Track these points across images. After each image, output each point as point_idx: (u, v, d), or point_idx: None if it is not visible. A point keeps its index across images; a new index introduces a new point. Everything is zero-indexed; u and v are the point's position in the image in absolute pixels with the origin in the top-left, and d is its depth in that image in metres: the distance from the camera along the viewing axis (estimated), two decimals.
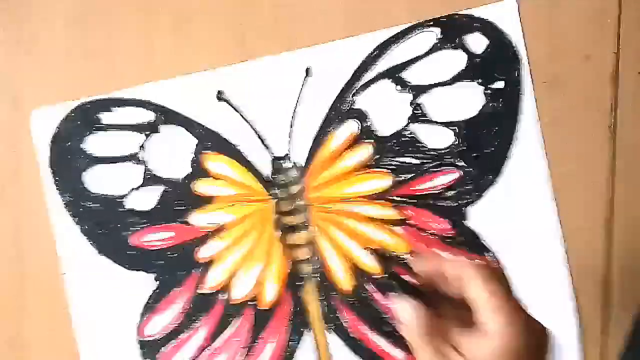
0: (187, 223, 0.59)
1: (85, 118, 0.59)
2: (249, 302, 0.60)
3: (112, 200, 0.59)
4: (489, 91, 0.58)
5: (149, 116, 0.60)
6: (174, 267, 0.60)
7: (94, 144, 0.59)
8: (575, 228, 0.59)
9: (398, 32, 0.59)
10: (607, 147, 0.60)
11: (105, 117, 0.59)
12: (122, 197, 0.59)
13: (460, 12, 0.59)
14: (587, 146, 0.59)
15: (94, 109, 0.59)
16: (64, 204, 0.59)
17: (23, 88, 0.60)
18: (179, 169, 0.60)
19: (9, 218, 0.60)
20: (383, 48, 0.59)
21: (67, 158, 0.59)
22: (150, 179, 0.59)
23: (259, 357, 0.60)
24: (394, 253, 0.59)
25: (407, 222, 0.59)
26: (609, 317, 0.60)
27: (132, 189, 0.59)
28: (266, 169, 0.60)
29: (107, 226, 0.60)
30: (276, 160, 0.59)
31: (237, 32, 0.60)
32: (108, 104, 0.59)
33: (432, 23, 0.59)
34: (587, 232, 0.60)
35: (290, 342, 0.60)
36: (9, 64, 0.60)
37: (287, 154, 0.59)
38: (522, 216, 0.59)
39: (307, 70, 0.59)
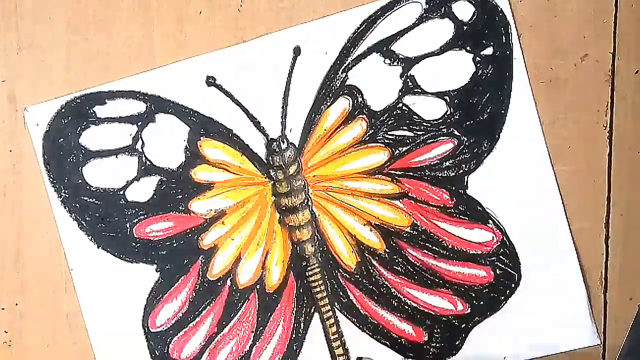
0: (187, 211, 0.61)
1: (78, 113, 0.60)
2: (255, 287, 0.61)
3: (112, 193, 0.61)
4: (478, 58, 0.59)
5: (140, 107, 0.60)
6: (178, 255, 0.61)
7: (90, 138, 0.61)
8: (574, 228, 0.60)
9: (384, 5, 0.59)
10: (605, 147, 0.60)
11: (99, 111, 0.60)
12: (122, 189, 0.61)
13: None
14: (584, 146, 0.60)
15: (86, 103, 0.60)
16: (61, 201, 0.61)
17: (20, 86, 0.61)
18: (174, 158, 0.61)
19: (11, 220, 0.62)
20: (370, 22, 0.59)
21: (61, 154, 0.60)
22: (146, 169, 0.61)
23: (269, 340, 0.61)
24: (396, 227, 0.61)
25: (407, 195, 0.61)
26: (608, 317, 0.61)
27: (130, 180, 0.61)
28: (262, 152, 0.61)
29: (109, 219, 0.61)
30: (271, 142, 0.61)
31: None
32: (100, 97, 0.60)
33: None
34: (586, 231, 0.61)
35: (298, 323, 0.61)
36: (3, 61, 0.61)
37: (281, 135, 0.61)
38: (522, 180, 0.60)
39: (296, 49, 0.60)
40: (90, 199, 0.61)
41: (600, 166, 0.60)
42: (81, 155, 0.60)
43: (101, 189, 0.61)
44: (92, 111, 0.60)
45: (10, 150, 0.61)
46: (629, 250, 0.61)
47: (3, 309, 0.62)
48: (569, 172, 0.60)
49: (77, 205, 0.61)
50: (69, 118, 0.60)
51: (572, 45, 0.60)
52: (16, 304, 0.62)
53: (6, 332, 0.62)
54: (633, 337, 0.60)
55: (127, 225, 0.61)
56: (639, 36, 0.60)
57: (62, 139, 0.60)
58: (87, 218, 0.61)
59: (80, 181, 0.61)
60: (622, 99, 0.60)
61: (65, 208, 0.61)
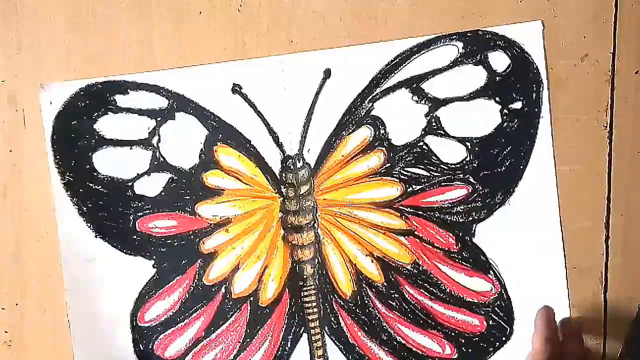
0: (193, 213, 0.62)
1: (97, 98, 0.61)
2: (248, 298, 0.62)
3: (120, 183, 0.61)
4: (506, 111, 0.60)
5: (162, 102, 0.61)
6: (177, 255, 0.62)
7: (106, 125, 0.61)
8: (574, 228, 0.61)
9: (420, 43, 0.60)
10: (605, 147, 0.60)
11: (120, 100, 0.61)
12: (131, 181, 0.61)
13: (485, 29, 0.60)
14: (585, 145, 0.60)
15: (107, 90, 0.61)
16: (64, 184, 0.61)
17: (20, 86, 0.61)
18: (187, 159, 0.61)
19: (11, 220, 0.62)
20: (404, 57, 0.60)
21: (72, 137, 0.61)
22: (158, 165, 0.61)
23: (254, 353, 0.62)
24: (398, 262, 0.61)
25: (413, 233, 0.61)
26: (608, 317, 0.61)
27: (140, 173, 0.61)
28: (276, 167, 0.61)
29: (112, 209, 0.61)
30: (287, 158, 0.61)
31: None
32: (123, 86, 0.61)
33: (455, 37, 0.60)
34: (586, 231, 0.61)
35: (286, 341, 0.62)
36: (3, 61, 0.61)
37: (298, 154, 0.61)
38: (529, 238, 0.61)
39: (326, 71, 0.60)
40: (97, 186, 0.61)
41: (600, 166, 0.60)
42: (94, 140, 0.61)
43: (109, 177, 0.61)
44: (112, 99, 0.61)
45: (11, 150, 0.61)
46: (629, 250, 0.61)
47: (3, 309, 0.62)
48: (568, 172, 0.60)
49: (81, 190, 0.61)
50: (87, 102, 0.61)
51: (572, 45, 0.60)
52: (16, 304, 0.62)
53: (6, 332, 0.63)
54: (633, 337, 0.60)
55: (131, 217, 0.61)
56: (639, 36, 0.60)
57: (76, 121, 0.61)
58: (90, 205, 0.61)
59: (88, 167, 0.61)
60: (622, 99, 0.60)
61: (67, 192, 0.61)
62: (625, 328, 0.61)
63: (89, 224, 0.61)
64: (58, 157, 0.61)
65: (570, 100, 0.60)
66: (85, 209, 0.61)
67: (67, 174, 0.61)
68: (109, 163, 0.61)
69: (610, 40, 0.60)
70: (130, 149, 0.61)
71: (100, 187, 0.61)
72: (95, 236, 0.61)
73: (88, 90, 0.61)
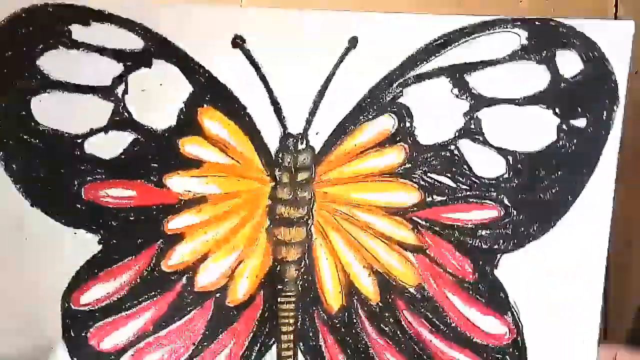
0: (160, 185, 0.51)
1: (45, 25, 0.49)
2: (214, 294, 0.52)
3: (66, 138, 0.50)
4: (565, 126, 0.51)
5: (136, 43, 0.50)
6: (132, 232, 0.52)
7: (53, 62, 0.49)
8: None
9: (475, 24, 0.50)
10: None
11: (77, 31, 0.49)
12: (81, 137, 0.50)
13: (559, 19, 0.50)
14: None
15: (59, 16, 0.49)
16: None
17: None
18: (161, 119, 0.51)
19: None
20: (452, 38, 0.50)
21: (4, 73, 0.49)
22: (121, 122, 0.50)
23: None
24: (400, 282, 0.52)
25: (424, 251, 0.52)
26: (608, 317, 0.58)
27: (95, 129, 0.50)
28: (273, 144, 0.51)
29: (51, 170, 0.50)
30: (287, 136, 0.51)
31: None
32: (83, 14, 0.49)
33: (519, 23, 0.50)
34: None
35: (251, 351, 0.53)
36: None
37: (302, 133, 0.51)
38: (562, 283, 0.52)
39: (352, 40, 0.50)
40: (32, 139, 0.50)
41: None
42: (34, 80, 0.49)
43: (52, 130, 0.50)
44: (67, 29, 0.49)
45: None
46: (629, 250, 0.58)
47: None
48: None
49: (10, 142, 0.50)
50: (31, 28, 0.49)
51: None
52: None
53: None
54: (633, 337, 0.58)
55: (76, 182, 0.51)
56: (639, 36, 0.55)
57: (11, 53, 0.49)
58: (20, 161, 0.50)
59: (24, 113, 0.50)
60: (621, 99, 0.55)
61: None
62: (626, 328, 0.59)
63: (17, 185, 0.50)
64: None
65: None
66: (14, 165, 0.50)
67: None
68: (53, 112, 0.50)
69: None
70: (84, 96, 0.50)
71: (37, 140, 0.50)
72: (26, 199, 0.50)
73: (33, 13, 0.48)
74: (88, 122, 0.50)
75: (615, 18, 0.57)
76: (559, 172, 0.51)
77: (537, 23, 0.50)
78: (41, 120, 0.50)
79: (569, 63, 0.50)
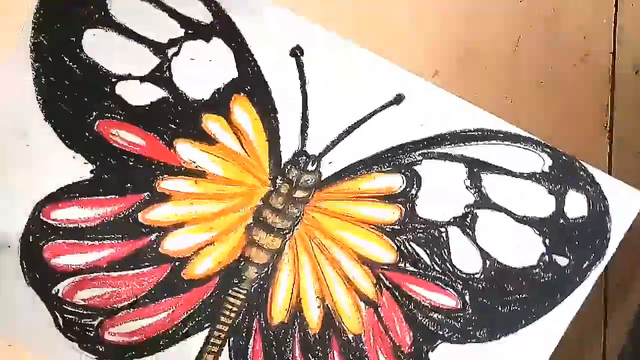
0: (170, 145, 0.52)
1: None
2: (174, 261, 0.53)
3: (103, 74, 0.51)
4: (547, 258, 0.52)
5: (206, 17, 0.51)
6: (124, 175, 0.52)
7: (124, 7, 0.51)
8: None
9: (510, 133, 0.52)
10: (604, 147, 0.58)
11: None
12: (116, 77, 0.51)
13: (583, 162, 0.52)
14: (584, 147, 0.57)
15: None
16: (33, 43, 0.50)
17: None
18: (197, 89, 0.52)
19: None
20: (485, 135, 0.51)
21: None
22: (160, 78, 0.51)
23: (143, 316, 0.53)
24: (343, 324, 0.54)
25: (376, 307, 0.53)
26: (608, 317, 0.59)
27: (133, 75, 0.51)
28: (287, 155, 0.52)
29: (77, 95, 0.51)
30: (301, 153, 0.52)
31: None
32: None
33: (548, 150, 0.52)
34: None
35: (183, 326, 0.53)
36: None
37: (317, 157, 0.52)
38: None
39: (398, 98, 0.52)
40: (73, 64, 0.51)
41: (600, 166, 0.55)
42: (97, 15, 0.51)
43: (93, 62, 0.51)
44: None
45: None
46: (629, 250, 0.58)
47: None
48: None
49: (50, 59, 0.51)
50: None
51: (572, 45, 0.58)
52: None
53: None
54: (633, 337, 0.58)
55: (95, 113, 0.51)
56: (639, 36, 0.58)
57: None
58: (53, 79, 0.51)
59: (74, 39, 0.51)
60: (622, 99, 0.58)
61: (32, 52, 0.50)
62: (626, 328, 0.59)
63: (39, 97, 0.51)
64: (43, 10, 0.50)
65: (570, 100, 0.57)
66: (43, 79, 0.51)
67: (43, 34, 0.50)
68: (100, 48, 0.51)
69: (610, 40, 0.58)
70: (136, 44, 0.51)
71: (75, 66, 0.51)
72: (41, 111, 0.51)
73: None
74: (130, 67, 0.51)
75: (615, 18, 0.57)
76: (524, 295, 0.52)
77: (564, 158, 0.52)
78: (87, 51, 0.51)
79: (576, 205, 0.52)
